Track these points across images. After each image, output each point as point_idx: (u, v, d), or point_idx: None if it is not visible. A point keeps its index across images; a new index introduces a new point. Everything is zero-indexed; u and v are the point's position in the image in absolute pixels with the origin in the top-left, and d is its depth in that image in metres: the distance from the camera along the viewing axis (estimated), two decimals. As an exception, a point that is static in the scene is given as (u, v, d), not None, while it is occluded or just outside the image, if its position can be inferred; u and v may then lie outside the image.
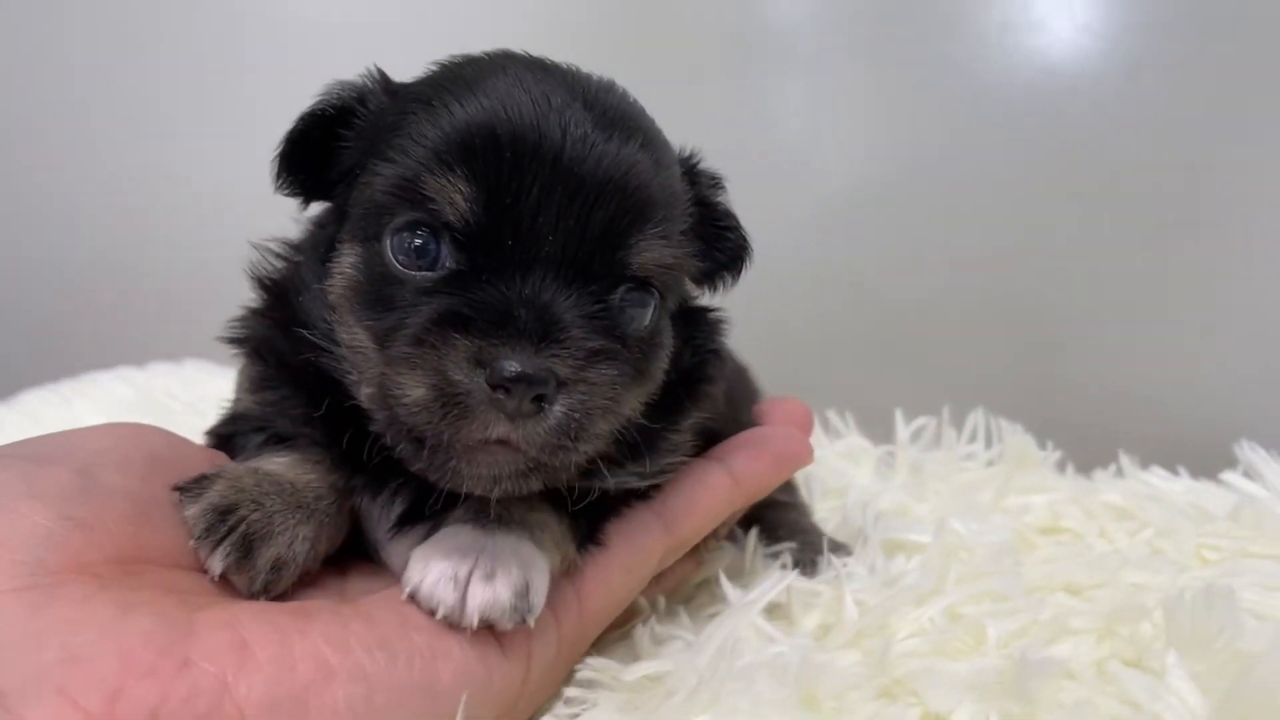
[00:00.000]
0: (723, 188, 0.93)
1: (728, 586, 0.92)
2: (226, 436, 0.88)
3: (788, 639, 0.88)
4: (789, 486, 1.24)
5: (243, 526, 0.70)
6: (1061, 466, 1.50)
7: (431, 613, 0.69)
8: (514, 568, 0.71)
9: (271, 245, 0.89)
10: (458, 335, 0.66)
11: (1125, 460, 1.42)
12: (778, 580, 0.92)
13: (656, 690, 0.77)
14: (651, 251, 0.76)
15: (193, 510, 0.71)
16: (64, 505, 0.66)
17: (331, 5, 2.05)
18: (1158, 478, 1.41)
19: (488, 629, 0.70)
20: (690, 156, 0.91)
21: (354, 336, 0.75)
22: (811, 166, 1.94)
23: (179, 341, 2.01)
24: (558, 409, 0.67)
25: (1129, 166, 1.70)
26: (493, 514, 0.75)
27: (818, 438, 1.59)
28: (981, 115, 1.84)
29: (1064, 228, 1.79)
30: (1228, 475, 1.35)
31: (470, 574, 0.70)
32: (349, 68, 0.84)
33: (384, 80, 0.82)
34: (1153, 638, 0.90)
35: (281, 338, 0.83)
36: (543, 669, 0.75)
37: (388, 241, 0.73)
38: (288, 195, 0.85)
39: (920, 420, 1.56)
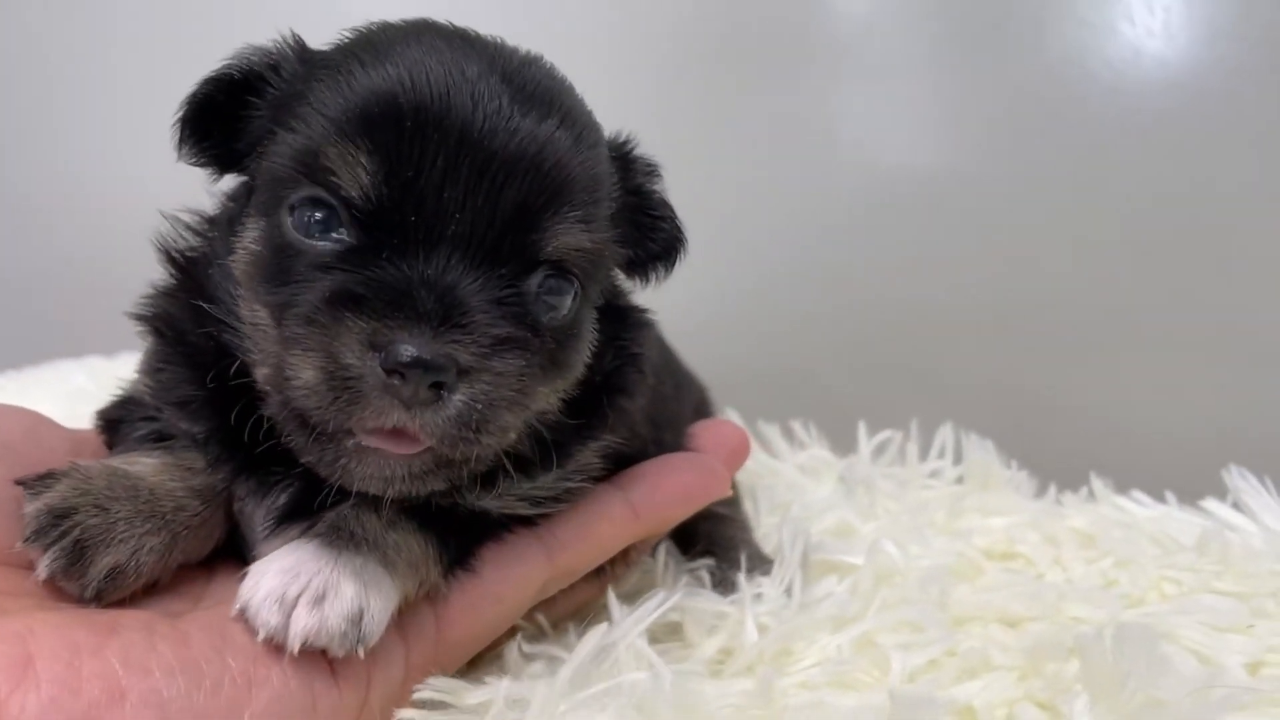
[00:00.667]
0: (659, 175, 0.88)
1: (614, 604, 0.86)
2: (115, 420, 0.85)
3: (675, 664, 0.82)
4: (730, 499, 1.17)
5: (76, 532, 0.67)
6: (1042, 487, 1.41)
7: (256, 632, 0.65)
8: (349, 592, 0.66)
9: (184, 217, 0.85)
10: (350, 315, 0.62)
11: (1098, 484, 1.33)
12: (663, 599, 0.85)
13: (500, 713, 0.71)
14: (568, 235, 0.71)
15: (29, 509, 0.68)
16: None
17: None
18: (1136, 503, 1.31)
19: (320, 654, 0.66)
20: (625, 142, 0.86)
21: (254, 314, 0.71)
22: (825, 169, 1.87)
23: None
24: (458, 398, 0.63)
25: (1124, 180, 1.61)
26: (348, 530, 0.70)
27: (779, 448, 1.52)
28: (995, 123, 1.76)
29: (1064, 241, 1.70)
30: (1209, 503, 1.26)
31: (299, 596, 0.65)
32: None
33: (299, 46, 0.78)
34: (1074, 679, 0.83)
35: (186, 315, 0.79)
36: (386, 697, 0.70)
37: (286, 215, 0.69)
38: (195, 165, 0.80)
39: (885, 433, 1.48)
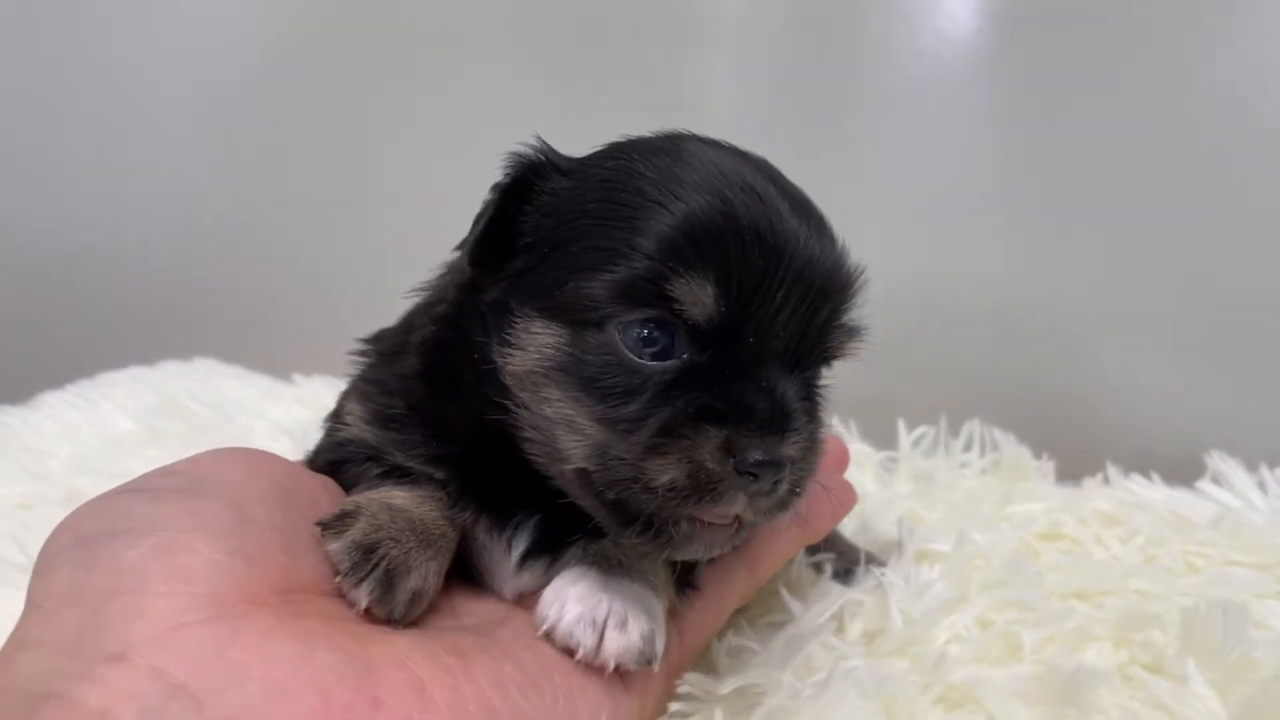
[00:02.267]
0: None
1: (790, 600, 1.00)
2: (337, 462, 0.92)
3: (849, 650, 0.97)
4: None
5: (385, 563, 0.75)
6: (1058, 476, 1.60)
7: (568, 652, 0.76)
8: (643, 615, 0.78)
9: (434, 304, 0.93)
10: (712, 427, 0.73)
11: (1112, 469, 1.53)
12: (839, 595, 1.00)
13: (745, 702, 0.85)
14: (852, 337, 0.85)
15: (337, 546, 0.76)
16: (227, 539, 0.70)
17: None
18: (1138, 485, 1.52)
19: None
20: None
21: (557, 410, 0.78)
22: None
23: (181, 339, 2.02)
24: (784, 485, 0.76)
25: (1095, 173, 1.79)
26: (615, 560, 0.82)
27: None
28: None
29: (1044, 233, 1.87)
30: (1204, 485, 1.48)
31: (605, 619, 0.76)
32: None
33: (551, 153, 0.85)
34: (1164, 644, 1.00)
35: (431, 392, 0.88)
36: (654, 702, 0.84)
37: (616, 332, 0.76)
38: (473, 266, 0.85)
39: (921, 429, 1.66)
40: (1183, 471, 1.55)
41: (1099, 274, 1.79)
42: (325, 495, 0.86)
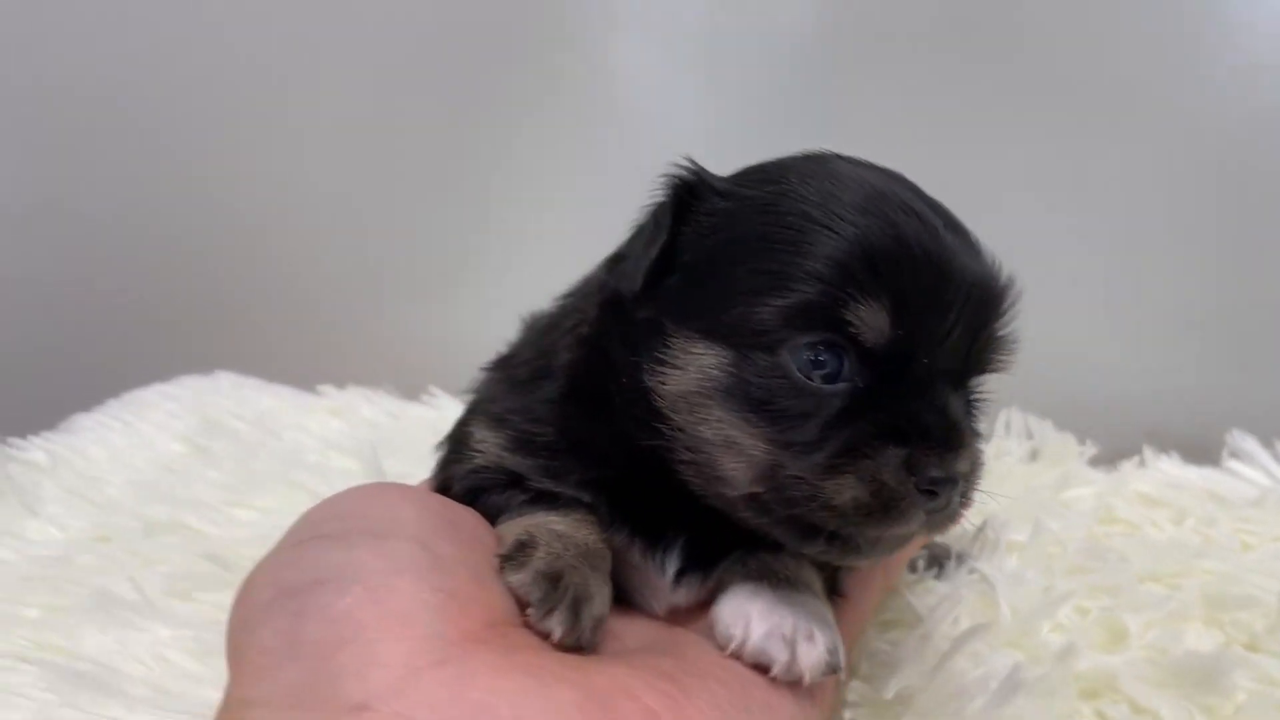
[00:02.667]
0: None
1: (914, 602, 1.03)
2: (475, 489, 0.91)
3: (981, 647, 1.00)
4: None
5: (571, 591, 0.76)
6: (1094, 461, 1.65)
7: (759, 668, 0.76)
8: (824, 627, 0.79)
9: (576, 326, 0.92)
10: (892, 446, 0.74)
11: (1148, 452, 1.60)
12: (948, 592, 1.05)
13: (902, 705, 0.88)
14: (1006, 349, 0.85)
15: (520, 577, 0.76)
16: (429, 578, 0.70)
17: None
18: (1168, 466, 1.59)
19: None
20: None
21: (718, 431, 0.78)
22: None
23: (182, 350, 1.96)
24: (956, 499, 0.78)
25: (1090, 159, 1.86)
26: (783, 574, 0.83)
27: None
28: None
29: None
30: (1234, 464, 1.55)
31: (794, 633, 0.78)
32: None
33: (706, 173, 0.85)
34: (1251, 622, 1.07)
35: (577, 415, 0.88)
36: (829, 712, 0.85)
37: (787, 355, 0.76)
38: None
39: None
40: (1191, 453, 1.62)
41: (1106, 257, 1.85)
42: (481, 526, 0.86)
